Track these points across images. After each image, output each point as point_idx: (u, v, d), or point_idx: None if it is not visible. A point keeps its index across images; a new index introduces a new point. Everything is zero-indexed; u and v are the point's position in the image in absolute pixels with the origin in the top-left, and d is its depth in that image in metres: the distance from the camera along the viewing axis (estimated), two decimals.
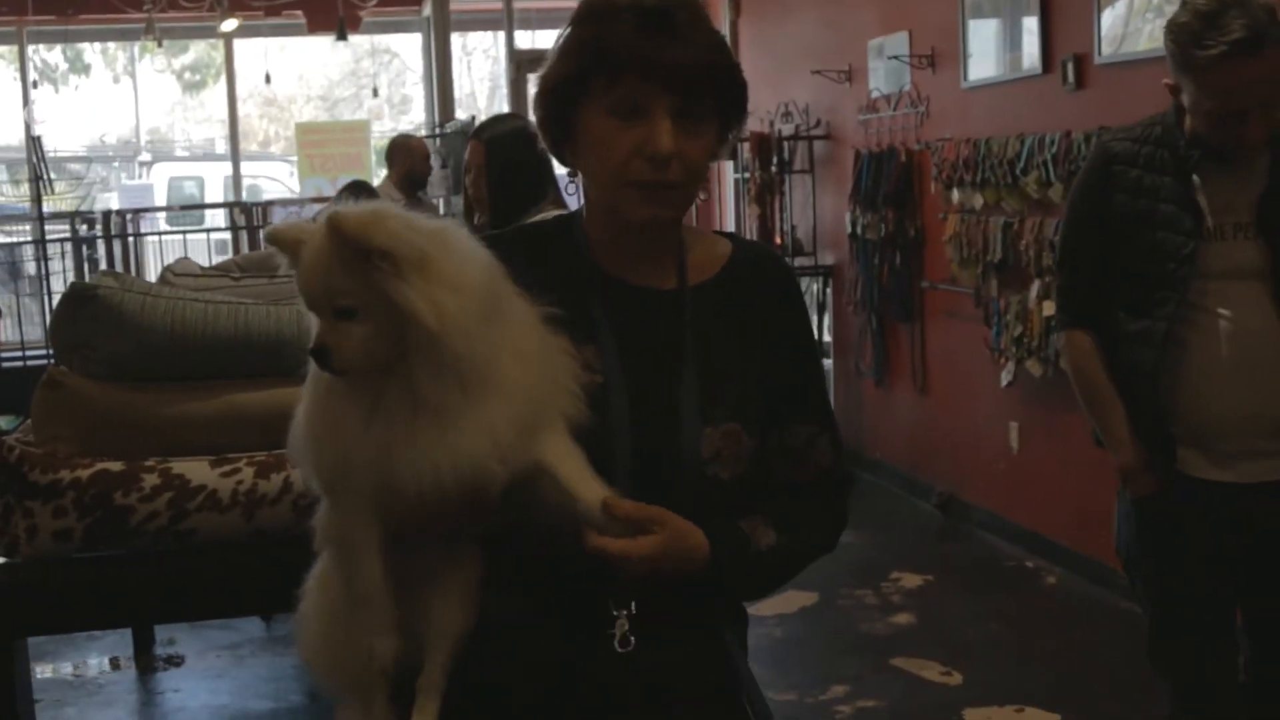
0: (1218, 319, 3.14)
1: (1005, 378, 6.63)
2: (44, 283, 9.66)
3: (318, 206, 11.06)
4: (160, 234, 10.77)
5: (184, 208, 12.52)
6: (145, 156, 20.57)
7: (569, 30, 1.94)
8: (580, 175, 1.99)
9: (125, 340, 3.69)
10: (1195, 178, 3.13)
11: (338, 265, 1.72)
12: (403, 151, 8.16)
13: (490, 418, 1.74)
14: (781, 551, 1.97)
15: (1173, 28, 3.07)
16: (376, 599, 1.83)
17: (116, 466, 3.63)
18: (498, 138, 4.24)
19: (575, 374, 1.84)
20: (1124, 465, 3.30)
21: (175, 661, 5.76)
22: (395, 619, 1.84)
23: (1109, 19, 5.80)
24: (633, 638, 1.88)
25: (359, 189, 4.91)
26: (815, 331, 8.94)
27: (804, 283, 8.73)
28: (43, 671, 5.62)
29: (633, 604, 1.88)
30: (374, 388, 1.76)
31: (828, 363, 9.00)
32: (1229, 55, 2.93)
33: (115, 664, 5.77)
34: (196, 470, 3.65)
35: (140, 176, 19.91)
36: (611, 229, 1.97)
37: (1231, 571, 3.30)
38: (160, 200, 15.51)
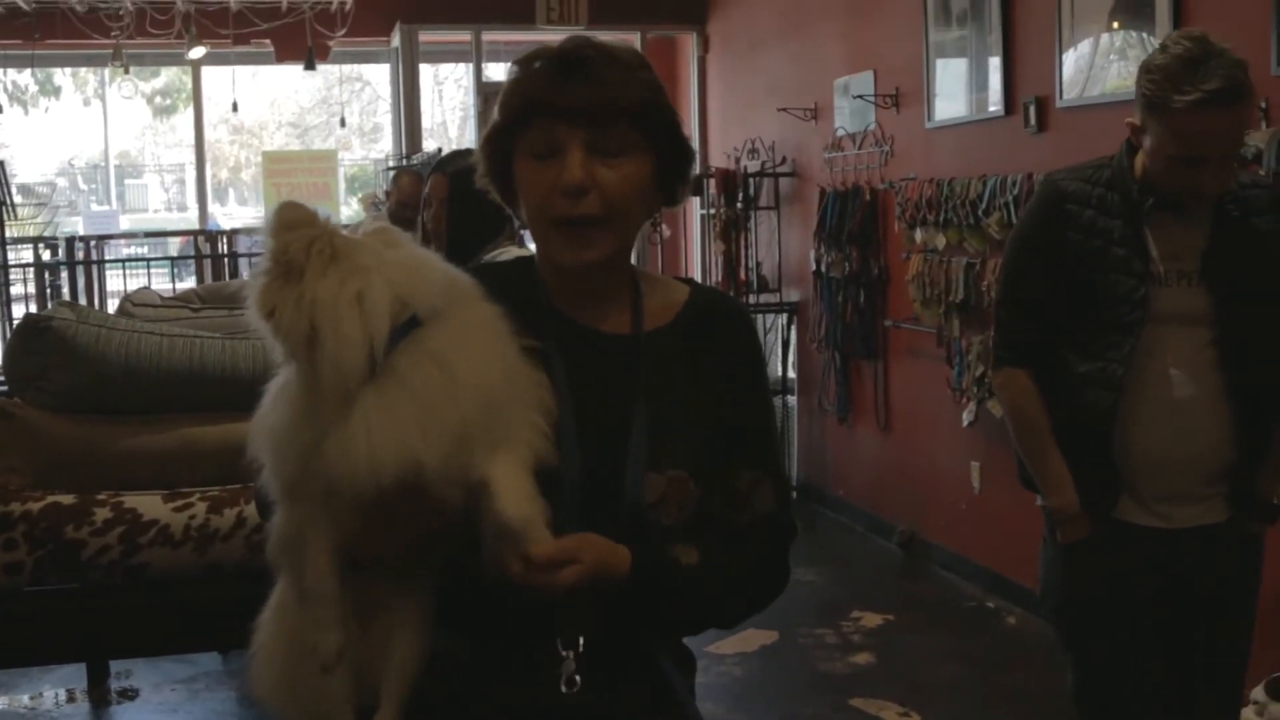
0: (1161, 364, 3.18)
1: (967, 417, 6.65)
2: (5, 309, 9.61)
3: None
4: (124, 261, 10.74)
5: (148, 234, 12.48)
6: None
7: (505, 83, 1.99)
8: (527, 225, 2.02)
9: (79, 372, 3.68)
10: (1146, 230, 3.16)
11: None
12: (393, 187, 8.10)
13: (407, 417, 1.75)
14: (702, 571, 1.95)
15: (1151, 69, 3.05)
16: (324, 593, 1.83)
17: (68, 499, 3.62)
18: (462, 172, 4.23)
19: (543, 407, 1.85)
20: (1060, 508, 3.30)
21: (130, 695, 5.70)
22: (341, 616, 1.84)
23: (1070, 62, 5.85)
24: (578, 678, 1.88)
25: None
26: (778, 369, 8.95)
27: (768, 319, 8.76)
28: None
29: (580, 644, 1.88)
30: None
31: (791, 400, 9.02)
32: (1204, 103, 2.95)
33: (70, 696, 5.72)
34: (149, 504, 3.63)
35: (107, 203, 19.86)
36: (558, 272, 1.99)
37: (1160, 614, 3.32)
38: (126, 225, 15.49)
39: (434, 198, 4.27)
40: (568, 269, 1.95)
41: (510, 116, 1.94)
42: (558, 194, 1.89)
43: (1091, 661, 3.37)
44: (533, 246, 2.10)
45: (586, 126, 1.89)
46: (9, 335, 4.74)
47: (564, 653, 1.88)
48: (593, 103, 1.89)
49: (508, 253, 3.82)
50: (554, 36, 1.97)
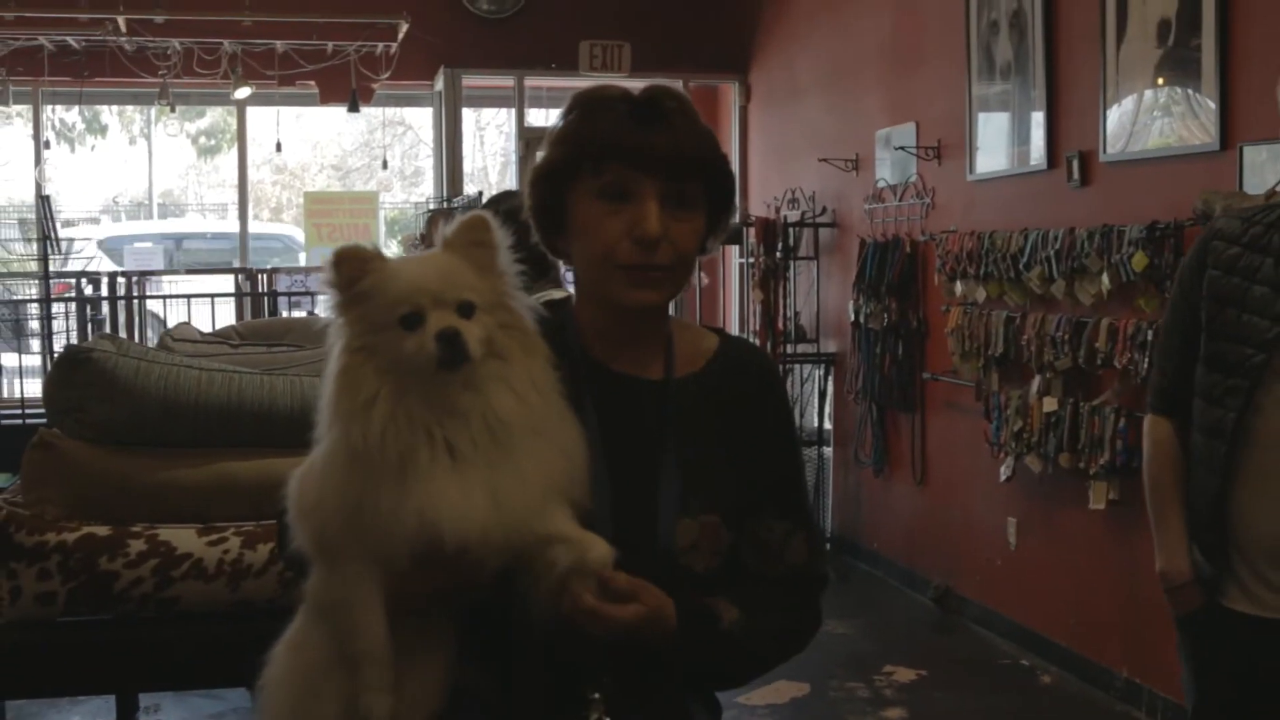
0: None
1: (1004, 472, 6.60)
2: (46, 341, 9.67)
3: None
4: (165, 297, 10.79)
5: (189, 271, 12.56)
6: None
7: (562, 119, 1.98)
8: (572, 262, 2.01)
9: (118, 404, 3.68)
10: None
11: (467, 263, 1.83)
12: (427, 229, 8.21)
13: (533, 473, 1.78)
14: (744, 629, 1.95)
15: None
16: (379, 655, 1.82)
17: (103, 531, 3.62)
18: (510, 211, 4.24)
19: (587, 458, 1.85)
20: (1164, 572, 3.06)
21: None
22: (393, 679, 1.83)
23: (1115, 117, 5.83)
24: (607, 719, 1.87)
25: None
26: (815, 420, 8.92)
27: (805, 370, 8.74)
28: None
29: (607, 685, 1.88)
30: (409, 441, 1.76)
31: (827, 451, 8.98)
32: None
33: None
34: (183, 538, 3.63)
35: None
36: (601, 315, 1.98)
37: None
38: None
39: None
40: (625, 308, 1.94)
41: (579, 154, 1.91)
42: (629, 241, 1.88)
43: None
44: (570, 289, 2.09)
45: (665, 177, 1.88)
46: (50, 367, 4.78)
47: (592, 696, 1.87)
48: (675, 155, 1.89)
49: (548, 295, 3.82)
50: (596, 84, 1.98)
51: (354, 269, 1.80)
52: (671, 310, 2.08)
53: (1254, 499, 2.91)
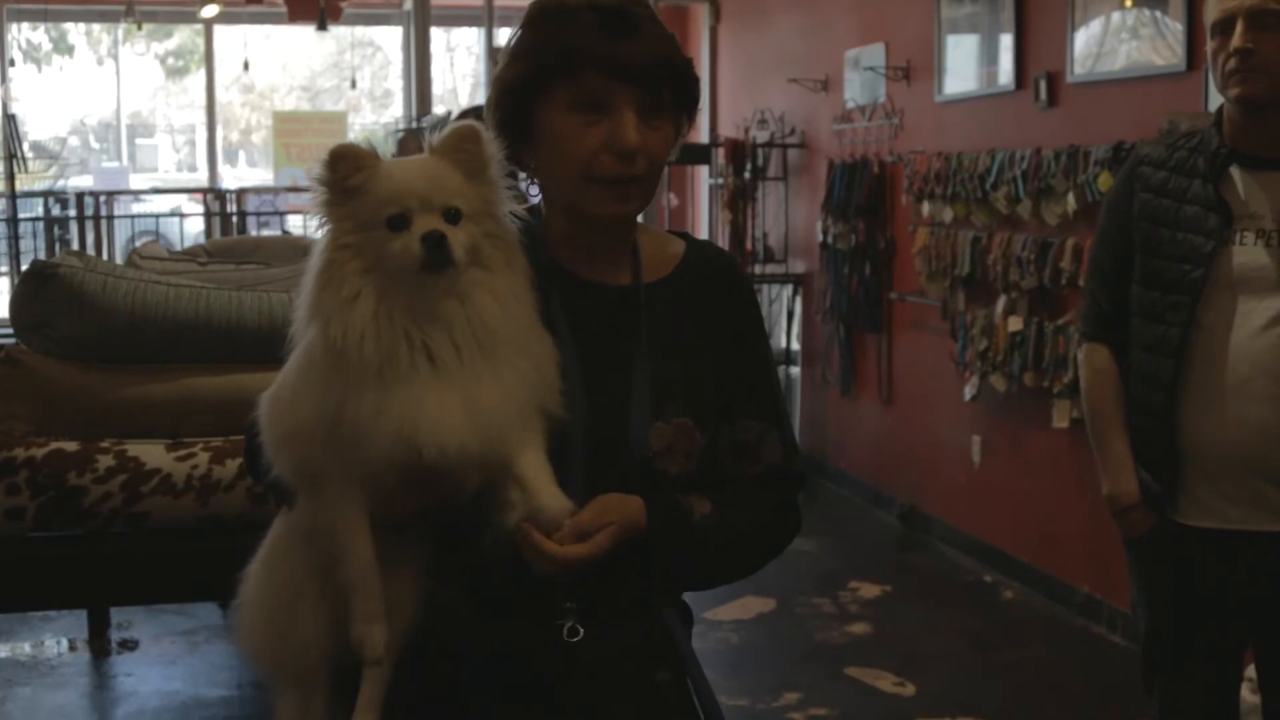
0: (1223, 338, 2.95)
1: (969, 392, 6.66)
2: (13, 261, 9.64)
3: (293, 196, 11.03)
4: (132, 216, 10.75)
5: (157, 190, 12.49)
6: None
7: (521, 32, 1.97)
8: (537, 175, 2.00)
9: (85, 320, 3.69)
10: (1230, 180, 2.98)
11: (456, 170, 1.82)
12: (398, 150, 8.20)
13: (512, 386, 1.79)
14: (717, 523, 1.97)
15: None
16: (370, 584, 1.83)
17: (71, 446, 3.63)
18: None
19: (559, 371, 1.87)
20: (1111, 495, 3.12)
21: (129, 645, 5.74)
22: (384, 606, 1.84)
23: (1083, 39, 5.84)
24: (580, 628, 1.89)
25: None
26: (782, 340, 8.96)
27: (773, 290, 8.77)
28: None
29: (578, 593, 1.89)
30: (390, 343, 1.77)
31: (794, 370, 9.03)
32: None
33: (72, 645, 5.75)
34: (152, 453, 3.64)
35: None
36: (569, 225, 1.98)
37: (1236, 624, 3.07)
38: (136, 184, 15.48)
39: None
40: (601, 220, 1.95)
41: (551, 67, 1.90)
42: (607, 153, 1.87)
43: (1159, 660, 3.14)
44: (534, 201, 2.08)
45: (639, 86, 1.88)
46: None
47: (568, 604, 1.89)
48: (651, 63, 1.88)
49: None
50: None
51: (348, 166, 1.80)
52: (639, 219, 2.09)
53: (1203, 412, 2.98)
